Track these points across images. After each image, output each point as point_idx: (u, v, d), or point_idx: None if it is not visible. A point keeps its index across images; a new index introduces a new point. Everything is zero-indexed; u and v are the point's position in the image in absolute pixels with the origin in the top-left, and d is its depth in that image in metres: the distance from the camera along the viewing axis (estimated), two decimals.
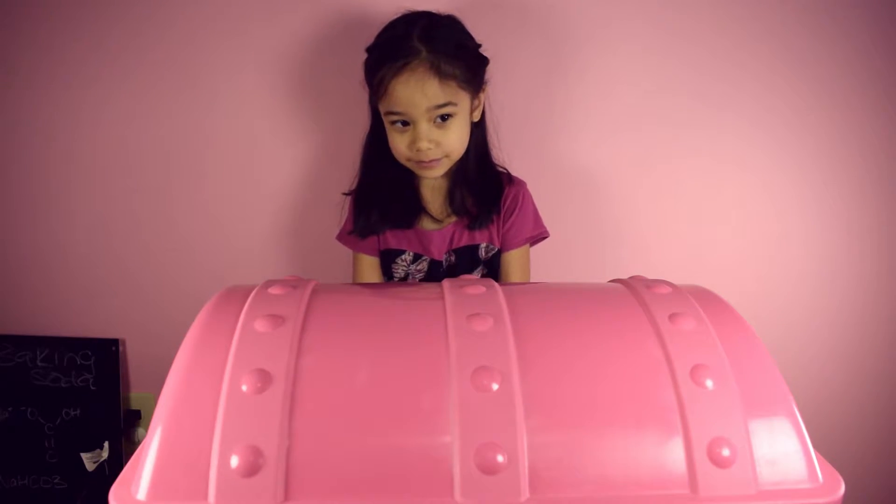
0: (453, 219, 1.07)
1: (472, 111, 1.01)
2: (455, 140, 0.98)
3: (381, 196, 1.05)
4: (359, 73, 1.01)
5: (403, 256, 1.06)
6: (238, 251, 1.30)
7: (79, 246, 1.29)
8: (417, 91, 0.93)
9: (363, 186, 1.08)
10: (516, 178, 1.10)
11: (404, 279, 1.07)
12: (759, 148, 1.26)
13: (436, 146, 0.97)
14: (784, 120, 1.25)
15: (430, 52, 0.92)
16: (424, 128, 0.95)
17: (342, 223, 1.12)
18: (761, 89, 1.24)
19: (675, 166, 1.27)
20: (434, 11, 0.98)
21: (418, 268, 1.07)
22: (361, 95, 1.04)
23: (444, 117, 0.96)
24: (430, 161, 0.98)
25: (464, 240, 1.06)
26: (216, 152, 1.25)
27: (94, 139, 1.24)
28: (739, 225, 1.30)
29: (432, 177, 1.03)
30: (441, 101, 0.94)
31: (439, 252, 1.06)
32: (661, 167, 1.27)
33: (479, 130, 1.05)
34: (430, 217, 1.07)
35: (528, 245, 1.10)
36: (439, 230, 1.06)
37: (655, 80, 1.23)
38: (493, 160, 1.09)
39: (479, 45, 1.01)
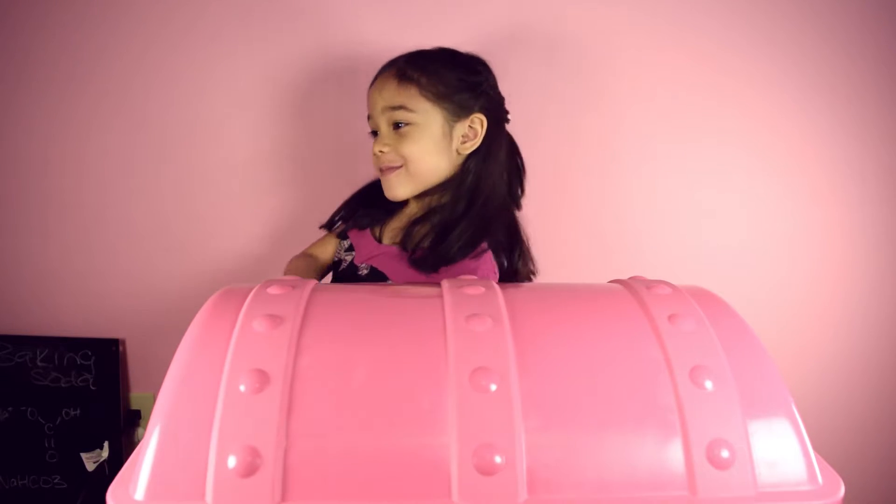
0: (395, 245, 0.99)
1: (451, 136, 0.95)
2: (413, 150, 0.94)
3: (365, 196, 1.07)
4: None
5: (344, 242, 1.06)
6: (238, 251, 1.29)
7: (78, 246, 1.29)
8: (376, 91, 0.96)
9: (362, 189, 1.09)
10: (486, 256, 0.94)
11: (338, 263, 1.05)
12: (761, 149, 1.26)
13: (391, 150, 0.95)
14: (785, 122, 1.25)
15: (404, 63, 0.96)
16: (384, 131, 0.96)
17: None
18: (766, 93, 1.24)
19: (675, 166, 1.27)
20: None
21: (347, 257, 1.04)
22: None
23: (399, 125, 0.94)
24: (388, 168, 0.96)
25: (388, 268, 0.96)
26: (215, 153, 1.25)
27: (92, 141, 1.24)
28: (740, 225, 1.30)
29: (392, 191, 0.97)
30: (395, 104, 0.93)
31: (360, 257, 1.01)
32: (661, 167, 1.27)
33: (476, 172, 0.96)
34: (381, 230, 1.03)
35: None
36: (377, 242, 1.01)
37: (657, 81, 1.23)
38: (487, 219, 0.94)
39: (478, 76, 0.97)
